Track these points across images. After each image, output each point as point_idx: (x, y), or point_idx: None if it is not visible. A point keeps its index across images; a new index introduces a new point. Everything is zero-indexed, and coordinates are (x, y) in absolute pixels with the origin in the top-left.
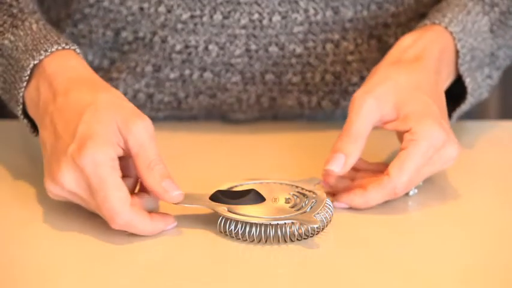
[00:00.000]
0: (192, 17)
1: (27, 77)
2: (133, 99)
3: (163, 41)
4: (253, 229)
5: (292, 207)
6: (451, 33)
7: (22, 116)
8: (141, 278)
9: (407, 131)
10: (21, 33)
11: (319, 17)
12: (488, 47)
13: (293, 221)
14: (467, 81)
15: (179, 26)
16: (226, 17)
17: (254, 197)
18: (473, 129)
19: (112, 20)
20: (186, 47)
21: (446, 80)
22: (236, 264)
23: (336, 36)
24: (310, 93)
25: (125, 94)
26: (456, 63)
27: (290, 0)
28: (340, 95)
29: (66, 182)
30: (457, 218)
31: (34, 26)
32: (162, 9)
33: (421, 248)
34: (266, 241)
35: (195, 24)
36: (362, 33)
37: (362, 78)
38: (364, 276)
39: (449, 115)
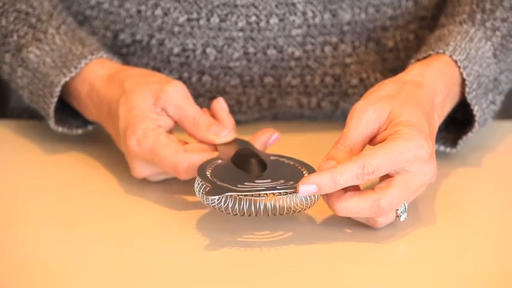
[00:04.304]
0: (188, 20)
1: (58, 93)
2: None
3: (161, 44)
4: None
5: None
6: (456, 61)
7: (56, 127)
8: (143, 278)
9: (391, 134)
10: (47, 48)
11: (317, 19)
12: (492, 73)
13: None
14: (476, 109)
15: (176, 29)
16: (224, 19)
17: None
18: None
19: (112, 22)
20: (184, 50)
21: (445, 113)
22: (236, 265)
23: (334, 39)
24: (309, 95)
25: None
26: (462, 93)
27: (287, 2)
28: (339, 96)
29: (141, 174)
30: (458, 219)
31: (57, 38)
32: (158, 12)
33: (423, 249)
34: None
35: (192, 27)
36: (360, 35)
37: (361, 81)
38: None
39: (455, 142)
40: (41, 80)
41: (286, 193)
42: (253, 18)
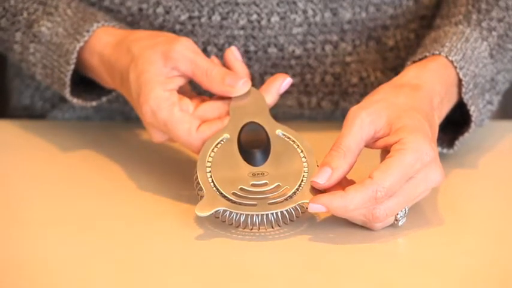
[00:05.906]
0: (190, 18)
1: (74, 60)
2: None
3: None
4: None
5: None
6: (452, 62)
7: (71, 98)
8: (145, 277)
9: (396, 142)
10: (58, 19)
11: (317, 18)
12: (489, 73)
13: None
14: (472, 109)
15: (177, 27)
16: (225, 18)
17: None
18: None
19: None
20: None
21: (443, 114)
22: (233, 262)
23: (335, 38)
24: (309, 94)
25: None
26: (459, 94)
27: (288, 1)
28: (339, 95)
29: (159, 140)
30: (456, 219)
31: (68, 11)
32: (160, 10)
33: (422, 248)
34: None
35: (194, 26)
36: (361, 34)
37: (361, 79)
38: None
39: (451, 143)
40: (55, 51)
41: (277, 212)
42: (255, 16)
